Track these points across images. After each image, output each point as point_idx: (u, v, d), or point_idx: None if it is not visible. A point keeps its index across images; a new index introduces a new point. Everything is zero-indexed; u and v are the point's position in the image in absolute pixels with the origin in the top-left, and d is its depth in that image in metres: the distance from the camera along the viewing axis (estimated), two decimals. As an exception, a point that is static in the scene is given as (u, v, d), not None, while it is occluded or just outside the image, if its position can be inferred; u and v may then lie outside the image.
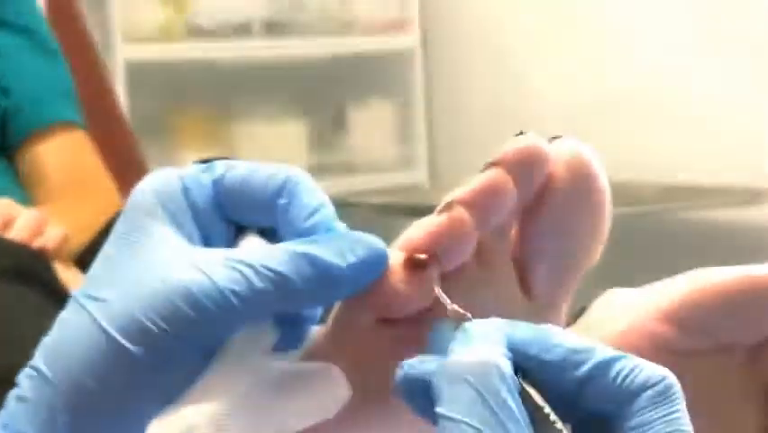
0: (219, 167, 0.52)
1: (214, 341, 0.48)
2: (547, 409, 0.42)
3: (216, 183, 0.51)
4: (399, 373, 0.45)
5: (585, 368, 0.43)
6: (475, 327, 0.45)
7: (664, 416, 0.42)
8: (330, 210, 0.50)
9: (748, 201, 2.24)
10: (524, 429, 0.41)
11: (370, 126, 2.94)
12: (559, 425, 0.42)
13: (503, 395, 0.42)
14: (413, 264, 0.49)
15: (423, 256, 0.49)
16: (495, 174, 0.50)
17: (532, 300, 0.53)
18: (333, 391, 0.49)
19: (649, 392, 0.42)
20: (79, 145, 1.48)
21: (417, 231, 0.50)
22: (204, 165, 0.53)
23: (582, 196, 0.52)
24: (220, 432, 0.47)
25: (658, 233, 2.34)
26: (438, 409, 0.42)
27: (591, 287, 0.55)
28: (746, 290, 0.53)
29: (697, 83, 2.38)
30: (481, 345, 0.43)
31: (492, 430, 0.41)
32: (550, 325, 0.45)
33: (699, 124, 2.37)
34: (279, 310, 0.49)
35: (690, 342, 0.53)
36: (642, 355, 0.43)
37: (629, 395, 0.42)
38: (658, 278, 0.57)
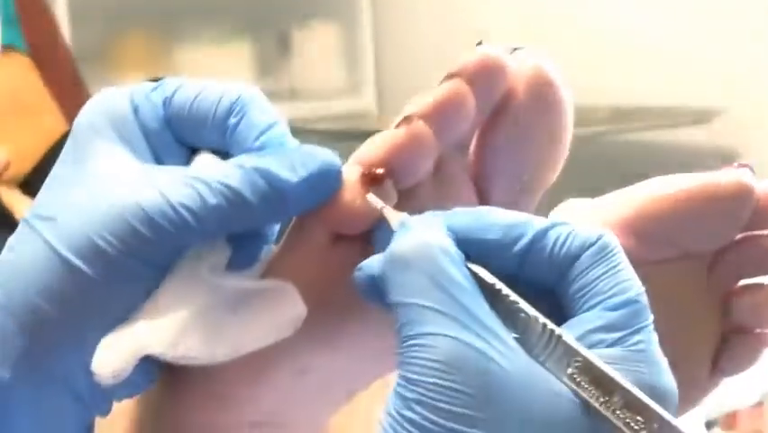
0: (169, 85, 0.51)
1: (168, 258, 0.47)
2: (498, 285, 0.42)
3: (166, 102, 0.51)
4: (356, 275, 0.45)
5: (523, 242, 0.43)
6: (412, 219, 0.44)
7: (605, 273, 0.42)
8: (282, 128, 0.49)
9: (696, 121, 2.25)
10: (478, 301, 0.41)
11: (316, 50, 2.91)
12: (513, 297, 0.42)
13: (451, 271, 0.41)
14: (368, 179, 0.48)
15: (379, 171, 0.48)
16: (455, 85, 0.49)
17: None
18: (289, 309, 0.48)
19: (587, 253, 0.42)
20: (21, 70, 1.45)
21: (374, 145, 0.49)
22: (153, 83, 0.52)
23: (544, 109, 0.51)
24: (172, 350, 0.47)
25: (609, 154, 2.35)
26: (390, 298, 0.42)
27: (544, 208, 0.54)
28: (701, 196, 0.53)
29: (644, 8, 2.37)
30: (421, 231, 0.43)
31: (447, 307, 0.41)
32: (486, 206, 0.45)
33: (647, 46, 2.37)
34: (234, 228, 0.48)
35: (650, 252, 0.53)
36: None
37: (568, 260, 0.42)
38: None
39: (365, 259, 0.46)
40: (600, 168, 2.17)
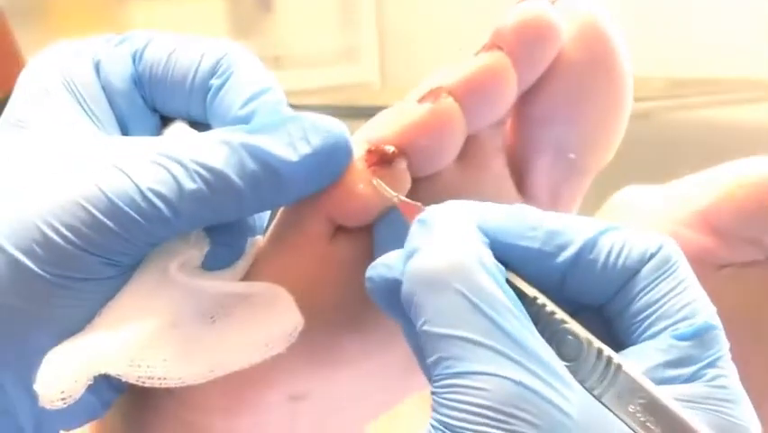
0: (139, 38, 0.51)
1: (133, 256, 0.47)
2: (542, 299, 0.42)
3: (136, 58, 0.51)
4: (369, 277, 0.44)
5: (568, 252, 0.43)
6: (435, 216, 0.43)
7: (670, 291, 0.42)
8: (277, 96, 0.49)
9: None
10: (529, 328, 0.41)
11: (304, 7, 2.90)
12: (560, 315, 0.42)
13: (494, 293, 0.41)
14: (376, 158, 0.48)
15: (390, 148, 0.48)
16: (493, 60, 0.49)
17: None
18: (282, 319, 0.47)
19: (648, 267, 0.42)
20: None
21: (388, 121, 0.49)
22: (119, 36, 0.51)
23: (597, 71, 0.51)
24: (132, 369, 0.46)
25: (669, 133, 2.33)
26: (421, 327, 0.41)
27: (601, 196, 0.55)
28: None
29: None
30: (452, 235, 0.42)
31: (494, 339, 0.40)
32: (523, 205, 0.44)
33: (706, 11, 2.36)
34: (215, 219, 0.47)
35: (732, 252, 0.52)
36: None
37: (624, 275, 0.42)
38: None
39: (370, 256, 0.46)
40: (662, 149, 2.15)
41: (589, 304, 0.43)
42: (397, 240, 0.44)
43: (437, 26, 2.63)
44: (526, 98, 0.51)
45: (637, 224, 0.53)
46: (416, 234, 0.43)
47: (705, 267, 0.50)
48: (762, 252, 0.53)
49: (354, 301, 0.47)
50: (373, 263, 0.44)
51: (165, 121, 0.51)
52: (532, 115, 0.51)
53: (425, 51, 2.58)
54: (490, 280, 0.41)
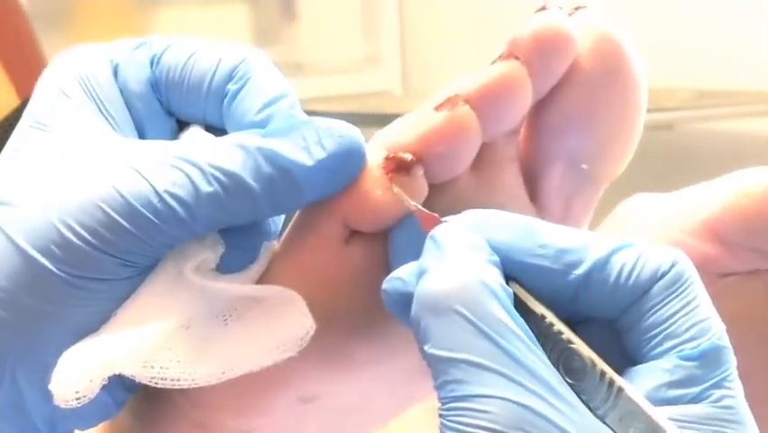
0: (157, 43, 0.52)
1: (149, 257, 0.47)
2: (549, 317, 0.43)
3: (154, 62, 0.51)
4: (385, 289, 0.45)
5: (580, 271, 0.43)
6: (446, 235, 0.44)
7: (680, 310, 0.42)
8: (292, 101, 0.50)
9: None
10: (534, 350, 0.41)
11: (327, 15, 2.90)
12: (566, 335, 0.42)
13: (498, 315, 0.41)
14: (394, 165, 0.48)
15: (407, 156, 0.48)
16: (509, 69, 0.49)
17: (543, 213, 0.52)
18: (294, 323, 0.48)
19: (659, 285, 0.42)
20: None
21: (405, 127, 0.49)
22: (137, 40, 0.52)
23: (611, 82, 0.51)
24: (145, 370, 0.46)
25: (693, 143, 2.32)
26: (427, 350, 0.42)
27: (607, 204, 0.55)
28: None
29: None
30: (459, 258, 0.43)
31: (499, 362, 0.40)
32: (535, 220, 0.45)
33: (731, 23, 2.36)
34: (231, 222, 0.48)
35: (738, 261, 0.52)
36: None
37: (636, 293, 0.43)
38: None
39: (384, 261, 0.48)
40: (684, 161, 2.14)
41: (601, 317, 0.44)
42: (414, 249, 0.45)
43: (458, 34, 2.63)
44: (540, 108, 0.52)
45: (643, 231, 0.53)
46: (427, 253, 0.44)
47: (708, 275, 0.49)
48: (765, 260, 0.53)
49: (367, 306, 0.48)
50: (388, 277, 0.45)
51: (181, 125, 0.52)
52: (545, 124, 0.52)
53: (446, 59, 2.58)
54: (495, 301, 0.42)
